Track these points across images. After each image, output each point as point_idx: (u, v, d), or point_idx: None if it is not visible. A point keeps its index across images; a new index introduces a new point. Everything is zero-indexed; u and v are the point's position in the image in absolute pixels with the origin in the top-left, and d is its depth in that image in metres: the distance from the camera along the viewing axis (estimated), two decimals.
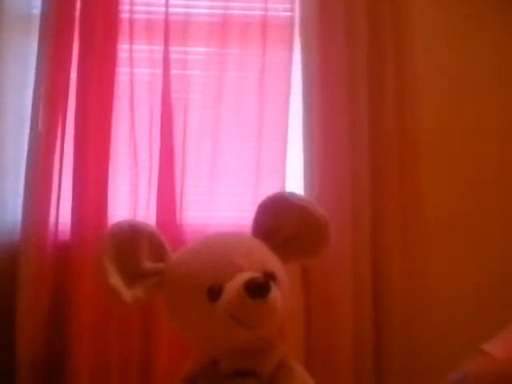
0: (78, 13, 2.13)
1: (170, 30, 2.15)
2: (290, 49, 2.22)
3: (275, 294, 1.23)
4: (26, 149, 2.09)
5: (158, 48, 2.16)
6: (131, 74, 2.15)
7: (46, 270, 2.04)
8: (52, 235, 2.08)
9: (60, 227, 2.09)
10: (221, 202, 2.18)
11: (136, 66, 2.17)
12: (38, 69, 2.10)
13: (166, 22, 2.15)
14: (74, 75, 2.12)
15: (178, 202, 2.14)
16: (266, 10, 2.23)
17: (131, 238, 1.32)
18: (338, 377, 2.11)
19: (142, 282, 1.31)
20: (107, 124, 2.12)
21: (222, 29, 2.21)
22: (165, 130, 2.14)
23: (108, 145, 2.12)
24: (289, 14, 2.25)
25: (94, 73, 2.11)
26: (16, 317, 1.99)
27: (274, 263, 1.34)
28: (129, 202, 2.14)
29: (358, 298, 2.13)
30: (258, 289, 1.19)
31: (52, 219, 2.08)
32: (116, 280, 1.27)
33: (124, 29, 2.16)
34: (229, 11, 2.23)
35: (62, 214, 2.09)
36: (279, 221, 1.40)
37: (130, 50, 2.16)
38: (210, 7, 2.23)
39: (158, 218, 2.11)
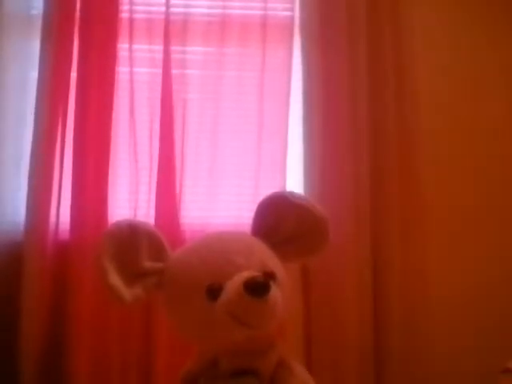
0: (78, 13, 2.14)
1: (169, 30, 2.15)
2: (290, 49, 2.22)
3: (275, 293, 1.23)
4: (27, 149, 2.09)
5: (158, 47, 2.17)
6: (131, 73, 2.16)
7: (47, 269, 2.05)
8: (53, 235, 2.08)
9: (61, 226, 2.09)
10: (221, 202, 2.18)
11: (136, 65, 2.17)
12: (40, 69, 2.10)
13: (166, 22, 2.15)
14: (73, 74, 2.12)
15: (177, 202, 2.14)
16: (265, 9, 2.23)
17: (130, 238, 1.32)
18: (339, 376, 2.11)
19: (141, 281, 1.30)
20: (107, 124, 2.12)
21: (222, 28, 2.21)
22: (165, 130, 2.14)
23: (108, 144, 2.12)
24: (289, 13, 2.25)
25: (94, 72, 2.11)
26: (19, 317, 2.00)
27: (273, 262, 1.34)
28: (129, 201, 2.14)
29: (359, 298, 2.13)
30: (257, 288, 1.19)
31: (53, 219, 2.08)
32: (115, 279, 1.27)
33: (124, 28, 2.17)
34: (229, 11, 2.23)
35: (63, 213, 2.09)
36: (279, 220, 1.39)
37: (130, 50, 2.16)
38: (210, 7, 2.24)
39: (158, 218, 2.11)
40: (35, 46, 2.14)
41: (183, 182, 2.15)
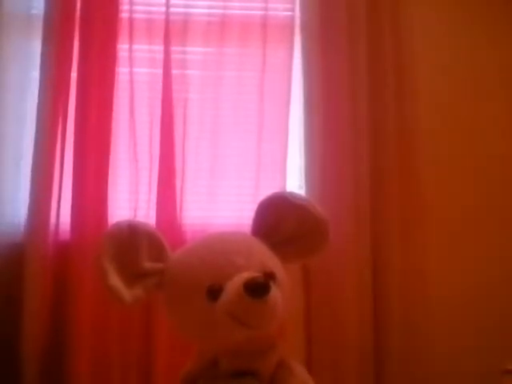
0: (78, 13, 2.14)
1: (169, 30, 2.16)
2: (290, 49, 2.22)
3: (275, 293, 1.23)
4: (27, 148, 2.10)
5: (158, 48, 2.17)
6: (131, 73, 2.16)
7: (48, 270, 2.04)
8: (53, 235, 2.08)
9: (61, 227, 2.09)
10: (221, 202, 2.18)
11: (136, 65, 2.18)
12: (41, 69, 2.10)
13: (166, 22, 2.15)
14: (74, 74, 2.12)
15: (178, 202, 2.14)
16: (266, 9, 2.23)
17: (130, 238, 1.32)
18: (339, 376, 2.11)
19: (141, 281, 1.31)
20: (107, 124, 2.12)
21: (222, 29, 2.22)
22: (165, 130, 2.14)
23: (108, 144, 2.12)
24: (289, 13, 2.25)
25: (94, 72, 2.12)
26: (21, 317, 2.00)
27: (274, 263, 1.34)
28: (129, 202, 2.14)
29: (359, 298, 2.13)
30: (257, 288, 1.19)
31: (53, 219, 2.08)
32: (115, 280, 1.27)
33: (124, 29, 2.17)
34: (229, 11, 2.24)
35: (64, 214, 2.09)
36: (279, 220, 1.39)
37: (130, 50, 2.16)
38: (210, 7, 2.24)
39: (158, 218, 2.11)
40: (35, 45, 2.14)
41: (183, 183, 2.15)
